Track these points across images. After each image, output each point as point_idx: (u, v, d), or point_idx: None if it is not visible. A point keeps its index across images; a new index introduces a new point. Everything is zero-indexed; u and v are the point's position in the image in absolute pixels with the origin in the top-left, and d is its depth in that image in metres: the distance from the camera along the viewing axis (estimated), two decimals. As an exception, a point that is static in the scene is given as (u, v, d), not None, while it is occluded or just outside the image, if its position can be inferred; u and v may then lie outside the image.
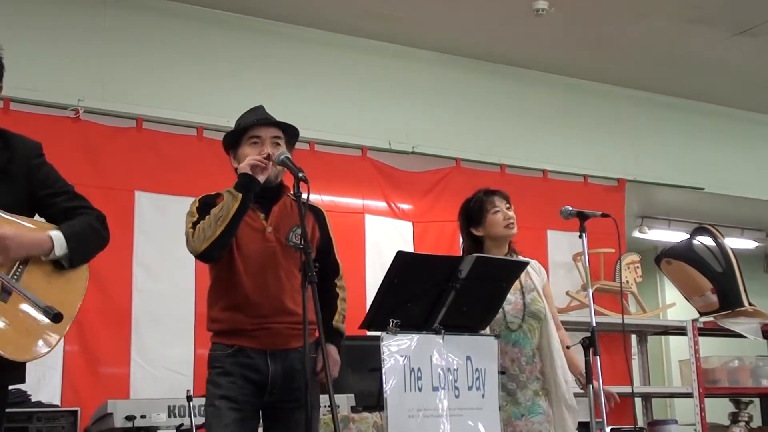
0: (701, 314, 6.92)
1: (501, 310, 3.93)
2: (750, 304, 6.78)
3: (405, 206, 6.65)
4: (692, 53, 7.19)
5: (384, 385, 3.31)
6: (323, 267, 3.41)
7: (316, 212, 3.52)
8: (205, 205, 3.34)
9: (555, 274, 6.94)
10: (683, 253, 6.96)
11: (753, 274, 8.73)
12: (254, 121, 3.44)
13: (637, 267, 7.26)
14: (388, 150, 6.62)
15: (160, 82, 5.91)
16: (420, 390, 3.40)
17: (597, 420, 3.91)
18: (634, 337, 7.44)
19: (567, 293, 6.88)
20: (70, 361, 5.15)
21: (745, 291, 6.81)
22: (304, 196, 3.16)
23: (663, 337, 8.85)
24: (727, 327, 6.75)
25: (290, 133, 3.52)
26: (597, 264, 6.94)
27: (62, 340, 2.86)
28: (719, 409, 7.21)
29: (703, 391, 6.53)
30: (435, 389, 3.44)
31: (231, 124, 3.48)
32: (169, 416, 4.33)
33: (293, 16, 6.35)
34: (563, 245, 6.91)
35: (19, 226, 2.74)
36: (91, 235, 2.88)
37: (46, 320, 2.62)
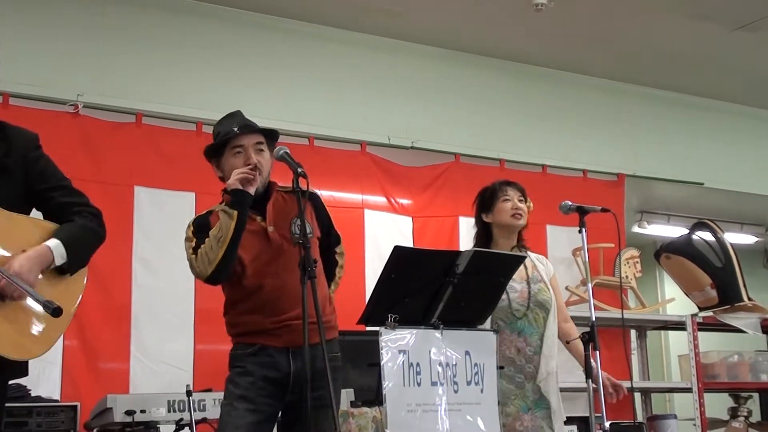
0: (701, 309, 6.92)
1: (506, 298, 3.94)
2: (749, 299, 6.78)
3: (404, 201, 6.65)
4: (692, 48, 7.18)
5: (383, 380, 3.31)
6: (327, 241, 3.53)
7: (312, 197, 3.50)
8: (199, 227, 3.34)
9: (554, 269, 6.94)
10: (683, 248, 6.96)
11: (752, 269, 8.74)
12: (235, 131, 3.41)
13: (637, 262, 7.26)
14: (388, 145, 6.62)
15: (159, 78, 5.91)
16: (419, 385, 3.40)
17: (596, 415, 3.91)
18: (633, 332, 7.45)
19: (566, 288, 6.88)
20: (70, 355, 5.15)
21: (745, 286, 6.80)
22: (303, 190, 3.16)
23: (662, 332, 8.87)
24: (727, 322, 6.75)
25: (271, 136, 3.50)
26: (596, 259, 6.94)
27: (62, 336, 2.87)
28: (718, 404, 7.22)
29: (703, 385, 6.53)
30: (434, 384, 3.44)
31: (227, 121, 3.48)
32: (169, 411, 4.33)
33: (292, 10, 6.34)
34: (563, 240, 6.91)
35: (18, 222, 2.74)
36: (88, 238, 2.88)
37: (47, 317, 2.62)
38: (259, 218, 3.39)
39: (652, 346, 8.02)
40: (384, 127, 6.62)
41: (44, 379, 4.96)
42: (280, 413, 3.40)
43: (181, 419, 4.32)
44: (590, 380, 3.86)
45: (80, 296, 2.87)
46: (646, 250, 7.75)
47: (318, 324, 3.03)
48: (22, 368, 2.79)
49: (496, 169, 6.93)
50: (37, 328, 2.69)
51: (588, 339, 3.87)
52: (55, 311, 2.60)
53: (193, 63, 6.04)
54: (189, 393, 4.24)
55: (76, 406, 4.47)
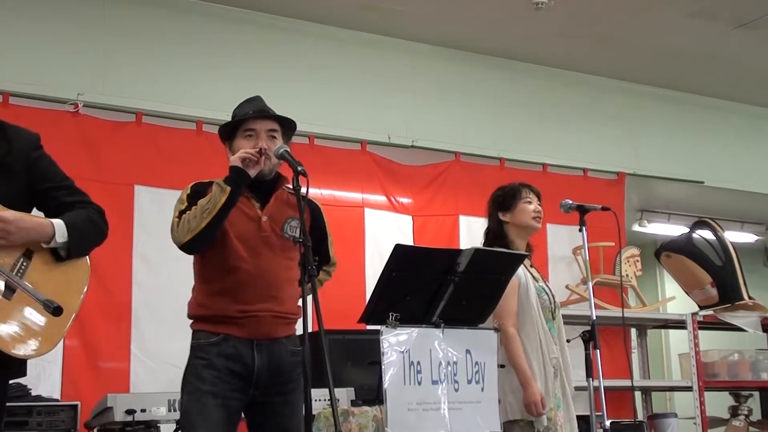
0: (701, 308, 6.92)
1: (547, 298, 3.96)
2: (750, 297, 6.79)
3: (404, 200, 6.65)
4: (692, 47, 7.18)
5: (383, 379, 3.32)
6: (315, 254, 3.40)
7: (313, 207, 3.47)
8: (196, 193, 3.28)
9: (555, 268, 6.96)
10: (683, 247, 6.97)
11: (753, 268, 8.74)
12: (250, 114, 3.39)
13: (637, 260, 7.26)
14: (388, 144, 6.61)
15: (159, 77, 5.91)
16: (419, 383, 3.40)
17: (597, 414, 3.92)
18: (633, 331, 7.45)
19: (567, 287, 6.89)
20: (70, 355, 5.15)
21: (745, 284, 6.81)
22: (303, 189, 3.13)
23: (663, 330, 8.87)
24: (727, 320, 6.75)
25: (287, 126, 3.46)
26: (597, 258, 6.94)
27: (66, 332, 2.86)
28: (719, 403, 7.22)
29: (703, 384, 6.54)
30: (434, 383, 3.45)
31: (230, 118, 3.46)
32: (169, 410, 4.32)
33: (292, 9, 6.34)
34: (563, 239, 6.91)
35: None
36: (90, 227, 2.88)
37: (49, 316, 2.62)
38: (258, 205, 3.35)
39: (652, 344, 8.03)
40: (384, 126, 6.62)
41: (44, 379, 4.96)
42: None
43: (182, 418, 4.31)
44: (590, 378, 3.87)
45: (83, 294, 2.86)
46: (646, 249, 7.76)
47: (318, 321, 3.00)
48: (21, 368, 2.79)
49: (497, 168, 6.93)
50: (41, 325, 2.69)
51: (588, 337, 3.88)
52: (55, 310, 2.60)
53: (193, 62, 6.04)
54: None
55: (76, 406, 4.46)
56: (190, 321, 3.35)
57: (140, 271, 5.51)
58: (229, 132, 3.43)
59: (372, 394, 4.48)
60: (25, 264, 2.70)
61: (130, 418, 4.15)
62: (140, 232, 5.54)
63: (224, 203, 3.17)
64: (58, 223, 2.75)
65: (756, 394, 7.34)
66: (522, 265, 3.93)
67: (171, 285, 5.51)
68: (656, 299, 8.92)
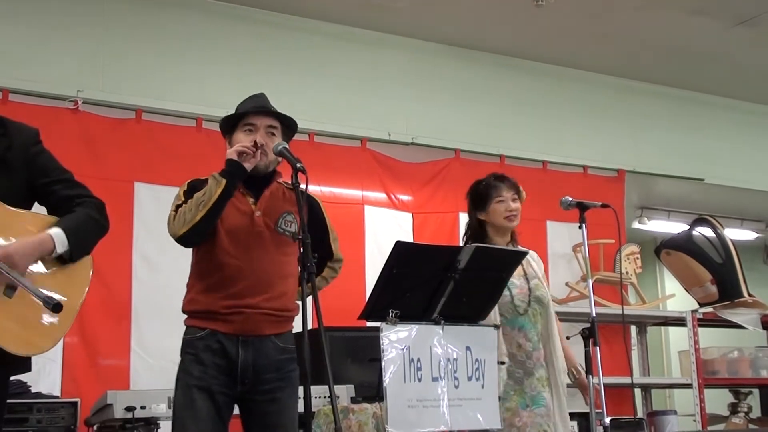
0: (701, 305, 6.92)
1: (508, 294, 3.93)
2: (749, 295, 6.79)
3: (404, 197, 6.65)
4: (692, 44, 7.18)
5: (383, 376, 3.31)
6: (316, 249, 3.38)
7: (311, 202, 3.46)
8: (193, 189, 3.29)
9: (555, 265, 6.96)
10: (683, 244, 6.97)
11: (752, 265, 8.75)
12: (251, 109, 3.40)
13: (637, 258, 7.26)
14: (388, 141, 6.62)
15: (159, 74, 5.91)
16: (419, 380, 3.40)
17: (597, 411, 3.92)
18: (633, 328, 7.45)
19: (567, 284, 6.89)
20: (70, 352, 5.16)
21: (745, 282, 6.81)
22: (303, 186, 3.13)
23: (662, 328, 8.86)
24: (727, 318, 6.76)
25: (288, 125, 3.47)
26: (597, 255, 6.94)
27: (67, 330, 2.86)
28: (719, 400, 7.23)
29: (703, 381, 6.54)
30: (434, 379, 3.44)
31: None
32: (169, 407, 4.30)
33: (292, 6, 6.34)
34: (563, 236, 6.92)
35: (20, 217, 2.74)
36: (90, 226, 2.87)
37: (50, 314, 2.62)
38: (252, 200, 3.35)
39: (652, 342, 8.03)
40: (384, 123, 6.62)
41: (45, 376, 4.96)
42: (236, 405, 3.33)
43: (182, 415, 4.31)
44: (591, 376, 3.87)
45: (86, 291, 2.86)
46: (646, 246, 7.76)
47: (318, 318, 3.00)
48: (25, 364, 2.79)
49: (497, 165, 6.92)
50: (42, 323, 2.69)
51: (588, 335, 3.88)
52: (55, 307, 2.60)
53: (193, 59, 6.04)
54: None
55: (76, 403, 4.47)
56: (185, 317, 3.38)
57: (140, 268, 5.51)
58: (230, 126, 3.44)
59: (372, 391, 4.48)
60: None
61: (129, 415, 4.15)
62: (140, 229, 5.55)
63: (219, 195, 3.18)
64: (57, 234, 2.75)
65: (756, 391, 7.34)
66: None
67: (171, 282, 5.48)
68: (656, 296, 8.93)
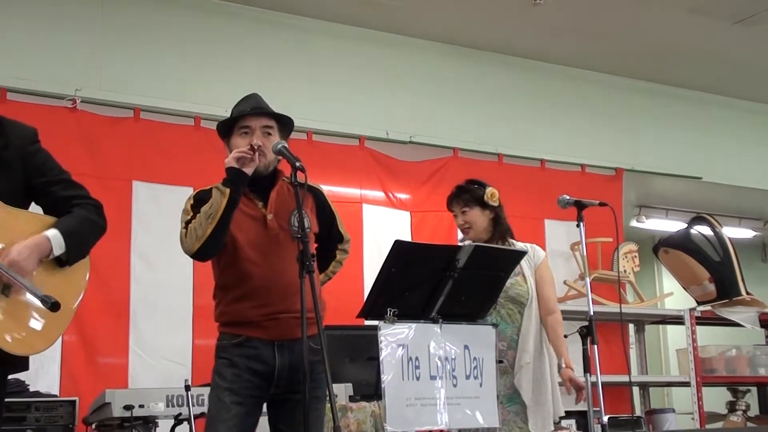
0: (699, 303, 6.93)
1: None
2: (747, 293, 6.79)
3: (402, 196, 6.65)
4: (691, 43, 7.18)
5: (382, 375, 3.31)
6: (327, 239, 3.48)
7: (315, 193, 3.47)
8: (199, 201, 3.28)
9: (553, 264, 6.83)
10: (681, 243, 6.97)
11: (751, 264, 8.74)
12: (245, 111, 3.38)
13: (635, 256, 7.27)
14: (386, 140, 6.62)
15: (157, 72, 5.90)
16: (418, 379, 3.40)
17: (595, 409, 3.92)
18: (631, 327, 7.46)
19: (565, 282, 6.89)
20: (69, 351, 5.16)
21: (743, 280, 6.82)
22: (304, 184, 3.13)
23: (660, 326, 8.87)
24: (725, 316, 6.76)
25: (284, 123, 3.45)
26: (595, 253, 6.95)
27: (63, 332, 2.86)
28: (717, 398, 7.23)
29: (701, 380, 6.55)
30: (433, 378, 3.44)
31: (228, 114, 3.46)
32: (167, 406, 4.33)
33: (290, 5, 6.34)
34: (561, 234, 6.92)
35: (17, 216, 2.74)
36: (87, 228, 2.87)
37: (48, 313, 2.61)
38: (261, 204, 3.35)
39: (650, 340, 8.04)
40: (382, 122, 6.61)
41: (43, 374, 4.96)
42: (265, 405, 3.36)
43: (180, 414, 4.32)
44: (588, 374, 3.87)
45: (83, 291, 2.86)
46: (644, 245, 7.76)
47: (317, 318, 3.01)
48: (23, 363, 2.78)
49: (495, 164, 6.93)
50: (39, 323, 2.68)
51: (586, 333, 3.88)
52: (53, 306, 2.59)
53: (191, 58, 6.04)
54: (188, 388, 4.23)
55: (74, 401, 4.47)
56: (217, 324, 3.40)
57: (138, 267, 5.51)
58: (226, 130, 3.43)
59: (370, 390, 4.49)
60: None
61: (128, 414, 4.15)
62: (138, 228, 5.54)
63: (226, 206, 3.17)
64: (54, 235, 2.74)
65: (753, 389, 7.35)
66: None
67: (169, 281, 5.52)
68: (654, 295, 8.93)
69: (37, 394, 4.61)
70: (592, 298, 4.07)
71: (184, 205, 3.35)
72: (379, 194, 6.54)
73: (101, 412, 4.28)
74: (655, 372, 8.86)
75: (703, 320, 6.82)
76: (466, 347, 3.57)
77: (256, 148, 3.25)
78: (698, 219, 7.09)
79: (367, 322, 3.61)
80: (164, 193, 5.61)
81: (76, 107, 5.53)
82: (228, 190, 3.18)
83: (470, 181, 4.28)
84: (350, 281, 5.95)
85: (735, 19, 6.81)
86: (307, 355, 2.96)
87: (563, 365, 3.97)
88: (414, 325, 3.44)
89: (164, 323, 5.48)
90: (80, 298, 2.85)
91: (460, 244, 3.87)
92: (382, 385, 3.30)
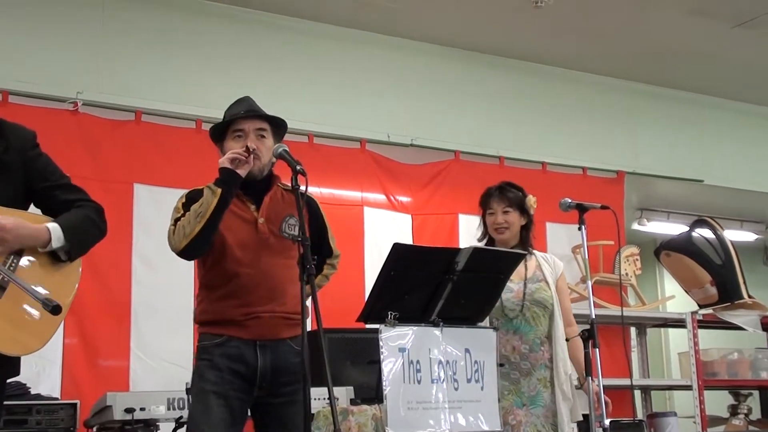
0: (701, 307, 6.92)
1: (500, 298, 3.95)
2: (749, 296, 6.78)
3: (404, 199, 6.65)
4: (692, 45, 7.18)
5: (383, 378, 3.31)
6: (316, 251, 3.41)
7: (309, 202, 3.44)
8: (191, 200, 3.27)
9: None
10: (683, 246, 6.96)
11: (752, 267, 8.74)
12: (238, 114, 3.37)
13: (637, 259, 7.26)
14: (387, 142, 6.61)
15: (158, 75, 5.91)
16: (419, 382, 3.40)
17: (596, 413, 3.91)
18: (633, 330, 7.45)
19: (560, 278, 6.87)
20: (70, 353, 5.15)
21: (745, 283, 6.81)
22: (302, 188, 3.11)
23: (662, 329, 8.87)
24: (727, 319, 6.75)
25: (277, 125, 3.45)
26: (596, 256, 6.94)
27: (61, 332, 2.86)
28: (718, 402, 7.22)
29: (703, 383, 6.53)
30: (434, 381, 3.45)
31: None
32: (169, 408, 4.32)
33: (291, 8, 6.34)
34: (562, 238, 6.91)
35: (18, 215, 2.74)
36: (88, 227, 2.87)
37: (42, 313, 2.61)
38: (253, 207, 3.34)
39: (652, 343, 8.02)
40: (383, 125, 6.61)
41: (44, 377, 4.96)
42: (249, 410, 3.33)
43: (181, 417, 4.31)
44: (590, 378, 3.87)
45: (75, 288, 2.85)
46: (645, 248, 7.75)
47: (317, 320, 3.00)
48: (15, 366, 2.77)
49: (496, 167, 6.93)
50: (32, 322, 2.68)
51: (588, 336, 3.88)
52: (54, 309, 2.59)
53: (192, 61, 6.04)
54: (189, 391, 4.22)
55: (75, 404, 4.46)
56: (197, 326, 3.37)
57: (140, 269, 5.51)
58: (219, 134, 3.42)
59: (371, 393, 4.48)
60: (15, 261, 2.69)
61: (129, 417, 4.14)
62: (139, 231, 5.54)
63: (216, 206, 3.16)
64: (54, 228, 2.74)
65: (755, 393, 7.34)
66: None
67: (170, 283, 5.51)
68: (656, 298, 8.93)
69: (38, 396, 4.61)
70: (594, 302, 4.07)
71: (176, 203, 3.34)
72: (381, 197, 6.54)
73: (102, 415, 4.28)
74: (657, 375, 8.85)
75: (705, 323, 6.80)
76: (466, 350, 3.57)
77: (251, 150, 3.25)
78: (700, 222, 7.08)
79: (368, 326, 3.60)
80: (165, 196, 5.58)
81: (77, 110, 5.53)
82: (219, 190, 3.17)
83: (510, 184, 4.27)
84: (351, 284, 5.96)
85: (735, 21, 6.81)
86: (307, 357, 2.95)
87: (582, 380, 4.00)
88: (415, 329, 3.44)
89: (165, 326, 5.48)
90: (73, 294, 2.84)
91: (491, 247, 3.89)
92: (383, 389, 3.30)
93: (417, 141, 6.71)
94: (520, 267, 4.07)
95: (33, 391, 4.64)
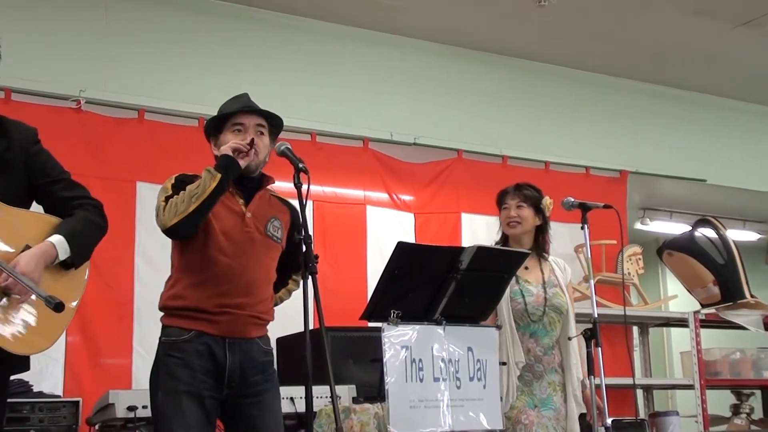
0: (703, 306, 6.92)
1: (522, 301, 3.97)
2: (752, 295, 6.78)
3: (406, 197, 6.64)
4: (695, 45, 7.17)
5: (385, 376, 3.32)
6: (286, 262, 3.40)
7: (293, 211, 3.43)
8: (181, 183, 3.26)
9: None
10: (685, 245, 6.96)
11: (755, 266, 8.74)
12: (240, 108, 3.38)
13: (639, 259, 7.25)
14: (390, 141, 6.61)
15: (161, 73, 5.90)
16: (421, 381, 3.40)
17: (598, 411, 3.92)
18: (635, 329, 7.45)
19: (569, 285, 6.88)
20: (72, 351, 5.15)
21: (747, 283, 6.81)
22: (305, 187, 3.12)
23: (665, 328, 8.86)
24: (729, 319, 6.75)
25: (274, 125, 3.45)
26: (599, 256, 6.93)
27: (65, 331, 2.87)
28: (721, 401, 7.22)
29: (705, 382, 6.53)
30: (436, 380, 3.45)
31: (229, 115, 3.47)
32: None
33: (294, 6, 6.34)
34: (565, 237, 6.87)
35: (21, 216, 2.74)
36: (90, 231, 2.89)
37: (49, 313, 2.62)
38: (242, 201, 3.34)
39: (654, 342, 8.02)
40: (386, 123, 6.61)
41: (47, 375, 4.96)
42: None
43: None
44: (592, 377, 3.87)
45: (82, 290, 2.87)
46: (648, 247, 7.75)
47: (320, 318, 3.00)
48: (24, 363, 2.79)
49: (499, 166, 6.92)
50: (40, 322, 2.69)
51: (590, 335, 3.88)
52: (57, 306, 2.60)
53: (195, 59, 6.04)
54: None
55: (78, 402, 4.47)
56: (161, 314, 3.31)
57: (142, 267, 5.51)
58: (215, 127, 3.42)
59: (374, 392, 4.47)
60: None
61: (131, 415, 4.14)
62: (142, 229, 5.53)
63: (214, 189, 3.15)
64: (59, 242, 2.76)
65: (758, 392, 7.34)
66: None
67: (173, 281, 5.50)
68: (658, 297, 8.92)
69: (40, 394, 4.61)
70: (596, 301, 4.07)
71: (164, 183, 3.31)
72: (383, 196, 6.54)
73: (105, 413, 4.28)
74: (659, 375, 8.84)
75: (707, 323, 6.80)
76: (469, 349, 3.58)
77: (255, 147, 3.26)
78: (702, 221, 7.08)
79: (371, 324, 3.60)
80: (168, 194, 5.60)
81: (80, 108, 5.52)
82: (219, 175, 3.17)
83: (528, 184, 4.29)
84: (354, 283, 5.96)
85: (738, 21, 6.80)
86: (310, 355, 2.95)
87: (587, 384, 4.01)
88: (417, 327, 3.44)
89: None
90: (80, 295, 2.86)
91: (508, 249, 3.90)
92: (386, 387, 3.30)
93: (420, 140, 6.70)
94: (538, 271, 4.10)
95: (35, 389, 4.64)
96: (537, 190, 4.25)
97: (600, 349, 3.87)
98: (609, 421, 3.87)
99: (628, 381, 5.67)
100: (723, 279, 6.77)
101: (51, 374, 5.01)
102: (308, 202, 3.15)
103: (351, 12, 6.45)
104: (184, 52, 6.02)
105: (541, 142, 7.27)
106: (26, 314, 2.67)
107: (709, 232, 6.95)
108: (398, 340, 3.36)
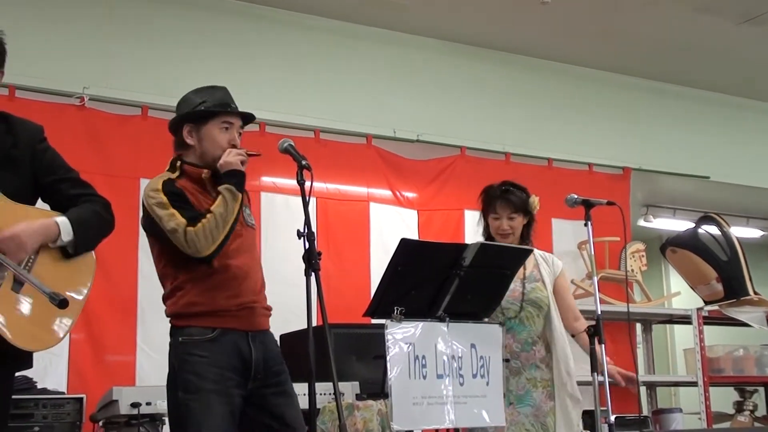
0: (706, 303, 6.92)
1: None
2: (755, 292, 6.78)
3: (410, 194, 6.65)
4: (698, 41, 7.17)
5: (388, 373, 3.32)
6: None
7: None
8: (175, 196, 3.25)
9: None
10: (688, 242, 6.96)
11: (758, 263, 8.71)
12: (233, 110, 3.41)
13: (642, 256, 7.26)
14: (393, 138, 6.61)
15: (165, 70, 5.91)
16: (424, 378, 3.40)
17: (602, 408, 3.92)
18: (638, 326, 7.45)
19: (572, 282, 6.88)
20: (76, 348, 5.17)
21: (751, 280, 6.81)
22: (308, 184, 3.14)
23: (668, 325, 8.86)
24: (732, 316, 6.75)
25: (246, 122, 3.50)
26: (602, 252, 6.93)
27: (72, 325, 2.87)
28: (724, 398, 7.22)
29: (708, 379, 6.54)
30: (439, 377, 3.45)
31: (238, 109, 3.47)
32: (175, 404, 4.32)
33: (298, 3, 6.34)
34: (568, 233, 6.91)
35: (26, 211, 2.75)
36: (96, 221, 2.87)
37: (56, 309, 2.62)
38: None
39: (657, 339, 8.02)
40: (389, 121, 6.61)
41: (51, 372, 4.97)
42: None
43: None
44: (596, 374, 3.86)
45: (89, 286, 2.86)
46: (651, 244, 7.76)
47: (323, 315, 3.01)
48: (27, 360, 2.79)
49: (502, 163, 6.92)
50: (48, 318, 2.69)
51: (593, 332, 3.88)
52: (61, 303, 2.59)
53: (198, 55, 6.04)
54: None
55: (81, 399, 4.47)
56: (172, 319, 3.27)
57: (146, 264, 5.47)
58: (197, 116, 3.44)
59: (377, 388, 4.48)
60: (32, 258, 2.70)
61: (135, 411, 4.15)
62: (145, 226, 5.54)
63: (238, 210, 3.21)
64: (63, 222, 2.75)
65: (761, 389, 7.34)
66: None
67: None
68: (661, 294, 8.92)
69: (44, 391, 4.61)
70: (600, 298, 4.07)
71: (155, 196, 3.27)
72: (386, 193, 6.54)
73: (108, 410, 4.29)
74: (662, 372, 8.84)
75: (711, 320, 6.81)
76: (472, 346, 3.57)
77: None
78: (706, 218, 7.08)
79: (374, 321, 3.61)
80: (171, 191, 5.60)
81: (84, 105, 5.53)
82: (240, 195, 3.22)
83: (514, 185, 4.22)
84: (357, 280, 5.97)
85: (742, 18, 6.80)
86: (313, 352, 2.96)
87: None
88: (421, 324, 3.44)
89: (172, 321, 5.48)
90: (87, 293, 2.85)
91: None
92: (389, 384, 3.30)
93: (423, 137, 6.71)
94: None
95: (39, 386, 4.65)
96: (522, 190, 4.19)
97: (603, 346, 3.87)
98: (612, 418, 3.86)
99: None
100: (726, 276, 6.77)
101: (55, 371, 5.02)
102: (311, 199, 3.15)
103: (354, 9, 6.45)
104: (187, 49, 6.02)
105: (544, 139, 7.26)
106: (33, 310, 2.66)
107: (713, 229, 6.95)
108: (401, 336, 3.36)
